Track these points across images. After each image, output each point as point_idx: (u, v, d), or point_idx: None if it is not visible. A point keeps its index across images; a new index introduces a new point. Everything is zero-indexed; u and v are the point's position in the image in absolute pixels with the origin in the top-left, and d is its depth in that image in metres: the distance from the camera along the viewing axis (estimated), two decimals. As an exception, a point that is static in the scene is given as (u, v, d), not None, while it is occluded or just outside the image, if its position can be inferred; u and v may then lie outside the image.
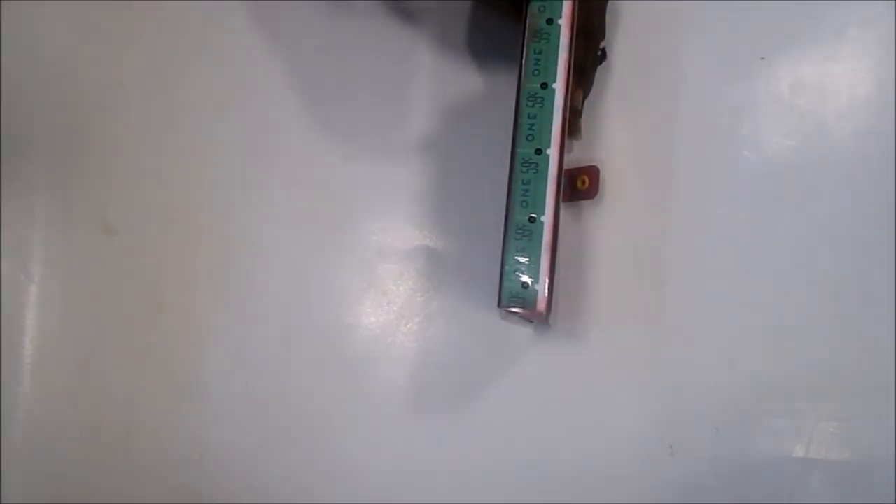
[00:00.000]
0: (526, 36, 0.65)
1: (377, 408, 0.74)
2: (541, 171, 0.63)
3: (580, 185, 0.71)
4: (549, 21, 0.64)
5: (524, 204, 0.63)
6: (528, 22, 0.65)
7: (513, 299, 0.63)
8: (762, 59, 0.71)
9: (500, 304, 0.63)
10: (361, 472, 0.74)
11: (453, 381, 0.73)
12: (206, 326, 0.77)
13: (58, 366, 0.78)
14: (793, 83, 0.70)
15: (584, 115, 0.72)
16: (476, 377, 0.73)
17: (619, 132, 0.73)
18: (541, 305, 0.62)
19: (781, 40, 0.71)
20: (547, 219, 0.63)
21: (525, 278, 0.63)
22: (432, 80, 0.76)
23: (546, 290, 0.62)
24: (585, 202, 0.72)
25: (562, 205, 0.70)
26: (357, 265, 0.76)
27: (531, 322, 0.69)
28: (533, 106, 0.64)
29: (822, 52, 0.70)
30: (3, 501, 0.76)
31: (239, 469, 0.75)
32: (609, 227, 0.72)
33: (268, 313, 0.76)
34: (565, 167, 0.71)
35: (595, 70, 0.72)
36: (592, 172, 0.71)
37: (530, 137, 0.64)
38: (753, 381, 0.68)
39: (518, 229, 0.63)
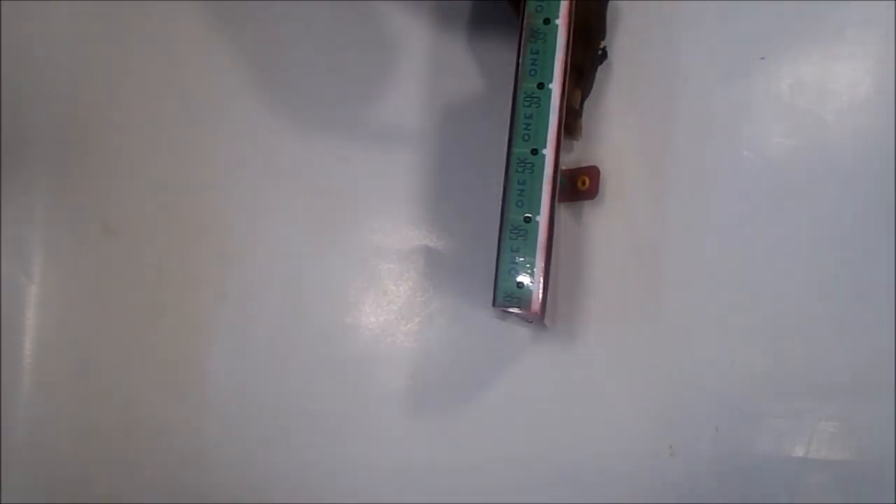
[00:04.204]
0: (523, 36, 0.65)
1: (377, 408, 0.74)
2: (536, 171, 0.63)
3: (580, 185, 0.71)
4: (547, 21, 0.64)
5: (519, 204, 0.63)
6: (525, 22, 0.65)
7: (507, 299, 0.63)
8: (762, 59, 0.71)
9: (494, 304, 0.63)
10: (361, 472, 0.74)
11: (453, 381, 0.73)
12: (206, 326, 0.77)
13: (58, 366, 0.78)
14: (793, 83, 0.70)
15: (584, 115, 0.72)
16: (476, 377, 0.73)
17: (619, 132, 0.73)
18: (535, 305, 0.62)
19: (781, 40, 0.71)
20: (542, 219, 0.63)
21: (520, 278, 0.63)
22: (431, 80, 0.76)
23: (541, 290, 0.62)
24: (585, 202, 0.72)
25: (562, 205, 0.71)
26: (357, 265, 0.76)
27: (529, 322, 0.69)
28: (529, 106, 0.64)
29: (822, 52, 0.70)
30: (3, 501, 0.76)
31: (238, 469, 0.75)
32: (609, 227, 0.72)
33: (268, 313, 0.76)
34: (566, 168, 0.71)
35: (595, 70, 0.72)
36: (592, 173, 0.71)
37: (526, 137, 0.64)
38: (753, 381, 0.68)
39: (513, 229, 0.63)
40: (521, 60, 0.65)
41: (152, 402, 0.77)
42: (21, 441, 0.77)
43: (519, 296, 0.63)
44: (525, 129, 0.64)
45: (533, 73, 0.64)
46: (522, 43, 0.65)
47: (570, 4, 0.64)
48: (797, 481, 0.67)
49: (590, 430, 0.71)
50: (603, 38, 0.72)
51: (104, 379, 0.77)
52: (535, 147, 0.64)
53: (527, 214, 0.63)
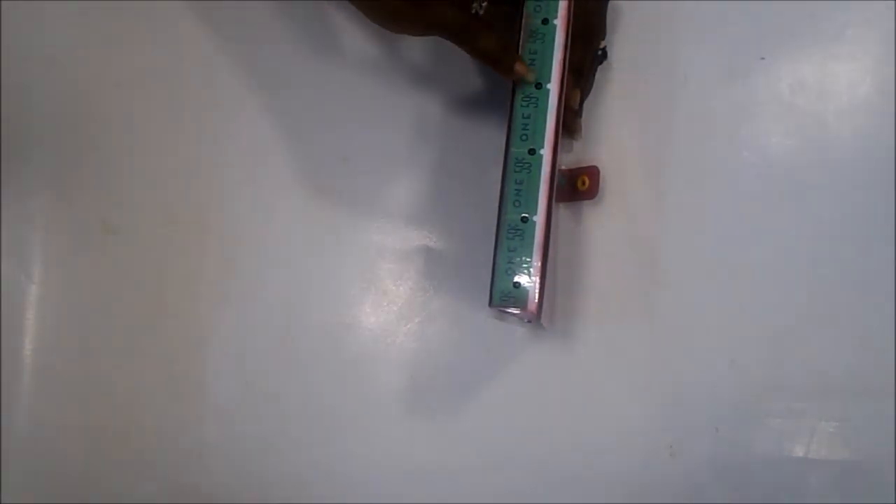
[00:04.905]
0: (522, 36, 0.65)
1: (377, 408, 0.74)
2: (534, 172, 0.63)
3: (580, 185, 0.71)
4: (545, 21, 0.64)
5: (517, 204, 0.63)
6: (523, 22, 0.65)
7: (504, 299, 0.63)
8: (762, 59, 0.71)
9: (491, 304, 0.63)
10: (361, 472, 0.74)
11: (453, 381, 0.73)
12: (206, 326, 0.77)
13: (58, 366, 0.78)
14: (793, 83, 0.70)
15: (584, 115, 0.72)
16: (476, 377, 0.73)
17: (619, 132, 0.73)
18: (532, 305, 0.62)
19: (781, 40, 0.71)
20: (539, 219, 0.63)
21: (517, 278, 0.63)
22: (432, 80, 0.76)
23: (537, 290, 0.62)
24: (585, 202, 0.72)
25: (562, 205, 0.71)
26: (357, 265, 0.76)
27: (527, 322, 0.69)
28: (527, 106, 0.64)
29: (822, 52, 0.70)
30: (3, 501, 0.76)
31: (239, 469, 0.75)
32: (609, 227, 0.72)
33: (268, 313, 0.76)
34: (566, 168, 0.71)
35: (595, 70, 0.72)
36: (592, 173, 0.71)
37: (524, 137, 0.64)
38: (753, 381, 0.68)
39: (510, 229, 0.63)
40: (519, 60, 0.65)
41: (152, 402, 0.77)
42: (21, 441, 0.77)
43: (515, 296, 0.63)
44: (523, 129, 0.64)
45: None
46: (521, 43, 0.65)
47: (569, 4, 0.64)
48: (797, 481, 0.67)
49: (589, 430, 0.71)
50: (603, 38, 0.72)
51: (104, 379, 0.77)
52: (532, 147, 0.64)
53: (524, 214, 0.63)
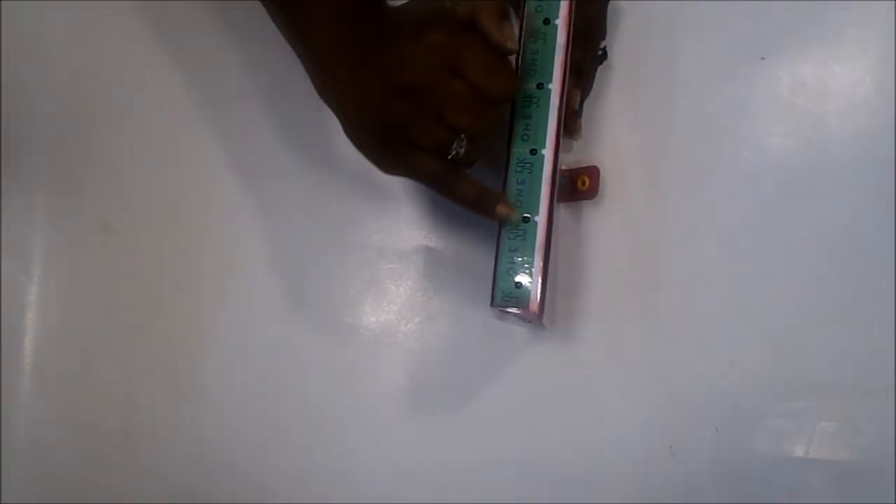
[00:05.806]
0: (522, 36, 0.65)
1: (377, 408, 0.74)
2: (535, 172, 0.63)
3: (580, 185, 0.71)
4: (546, 21, 0.64)
5: (518, 204, 0.63)
6: (524, 22, 0.65)
7: (506, 299, 0.63)
8: (762, 59, 0.71)
9: (492, 304, 0.63)
10: (361, 472, 0.74)
11: (453, 381, 0.73)
12: (206, 326, 0.77)
13: (58, 366, 0.78)
14: (793, 83, 0.70)
15: (584, 115, 0.72)
16: (476, 377, 0.73)
17: (619, 132, 0.73)
18: (533, 305, 0.62)
19: (781, 40, 0.71)
20: (541, 219, 0.63)
21: (518, 278, 0.63)
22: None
23: (539, 290, 0.62)
24: (585, 202, 0.72)
25: (562, 205, 0.71)
26: (357, 265, 0.76)
27: (528, 322, 0.69)
28: (528, 106, 0.64)
29: (822, 52, 0.70)
30: (3, 501, 0.76)
31: (238, 469, 0.75)
32: (609, 227, 0.72)
33: (268, 313, 0.76)
34: (566, 168, 0.71)
35: (595, 70, 0.72)
36: (592, 173, 0.71)
37: (525, 137, 0.64)
38: (753, 381, 0.68)
39: (512, 229, 0.63)
40: (520, 61, 0.65)
41: (152, 402, 0.77)
42: (21, 441, 0.77)
43: (517, 296, 0.63)
44: (524, 129, 0.64)
45: (532, 73, 0.64)
46: (522, 43, 0.65)
47: (570, 4, 0.64)
48: (797, 481, 0.67)
49: (590, 430, 0.71)
50: (603, 38, 0.72)
51: (104, 379, 0.77)
52: (534, 147, 0.64)
53: (525, 214, 0.63)
